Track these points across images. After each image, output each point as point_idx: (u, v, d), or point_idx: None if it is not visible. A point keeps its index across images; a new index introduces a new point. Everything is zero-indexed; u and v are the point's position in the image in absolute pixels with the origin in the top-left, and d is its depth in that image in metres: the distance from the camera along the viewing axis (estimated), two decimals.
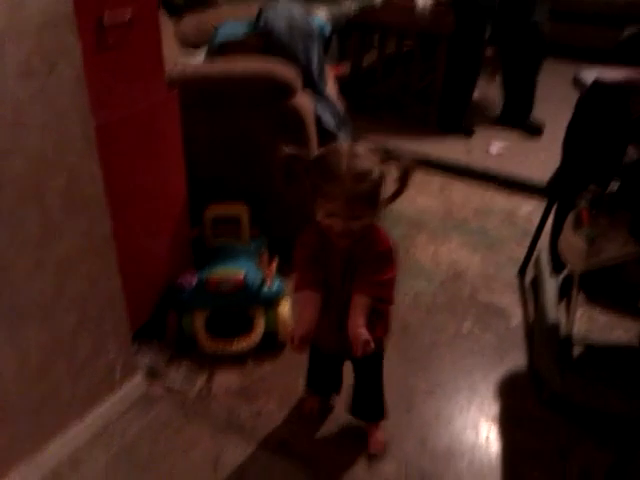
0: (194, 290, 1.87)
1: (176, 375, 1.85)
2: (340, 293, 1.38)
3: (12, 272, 1.30)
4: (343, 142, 1.69)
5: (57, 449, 1.55)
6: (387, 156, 1.29)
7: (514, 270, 2.36)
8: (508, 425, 1.73)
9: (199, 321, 1.88)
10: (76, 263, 1.43)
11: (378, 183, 1.27)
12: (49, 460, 1.53)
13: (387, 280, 1.35)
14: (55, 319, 1.43)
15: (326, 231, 1.32)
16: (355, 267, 1.35)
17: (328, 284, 1.38)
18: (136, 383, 1.73)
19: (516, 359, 1.95)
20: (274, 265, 2.05)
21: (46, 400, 1.48)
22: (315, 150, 1.99)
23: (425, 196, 2.90)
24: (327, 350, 1.57)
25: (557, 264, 2.06)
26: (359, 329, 1.29)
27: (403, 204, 2.59)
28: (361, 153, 1.27)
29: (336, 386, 1.73)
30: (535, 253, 2.31)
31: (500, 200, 2.91)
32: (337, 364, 1.68)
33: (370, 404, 1.64)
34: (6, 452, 1.44)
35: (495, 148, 3.33)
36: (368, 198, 1.27)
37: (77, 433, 1.59)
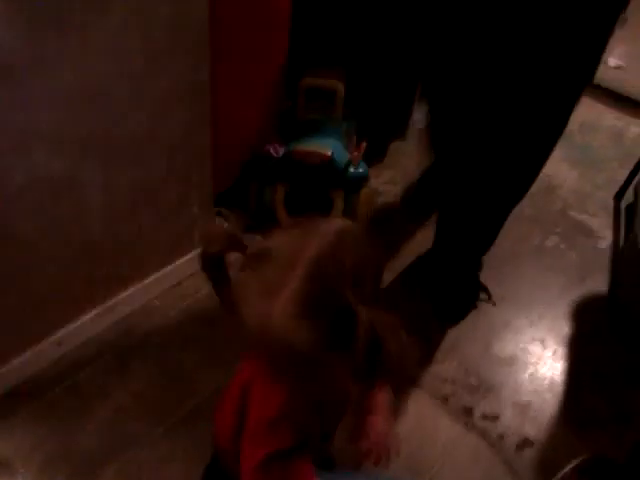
0: (279, 161, 1.84)
1: (251, 244, 1.86)
2: None
3: (111, 103, 1.29)
4: None
5: (132, 297, 1.61)
6: None
7: (612, 192, 2.22)
8: (576, 346, 1.69)
9: (279, 194, 1.86)
10: (171, 107, 1.41)
11: None
12: (123, 307, 1.60)
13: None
14: (145, 163, 1.43)
15: None
16: None
17: None
18: None
19: (597, 282, 1.87)
20: (362, 148, 1.99)
21: (128, 245, 1.52)
22: None
23: None
24: None
25: None
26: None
27: None
28: None
29: None
30: (636, 178, 2.16)
31: (609, 117, 2.70)
32: None
33: None
34: (80, 295, 1.49)
35: (614, 60, 3.06)
36: None
37: (153, 284, 1.65)
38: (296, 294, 0.71)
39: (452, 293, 1.71)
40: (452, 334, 1.65)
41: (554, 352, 1.66)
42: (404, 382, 1.50)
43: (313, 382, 0.82)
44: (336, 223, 0.82)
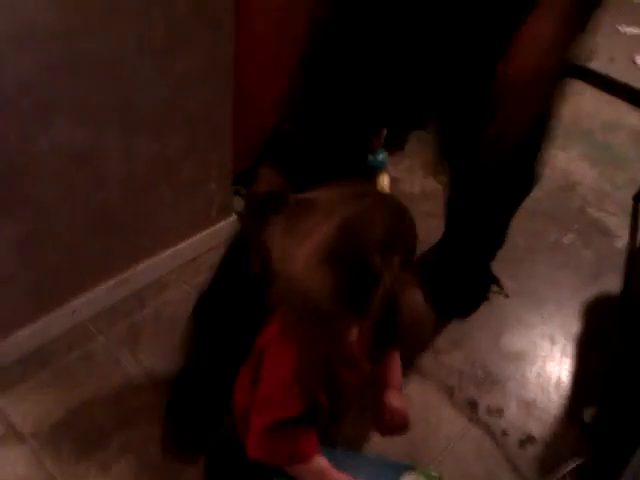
0: None
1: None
2: None
3: (133, 76, 1.29)
4: None
5: (146, 271, 1.62)
6: None
7: (631, 192, 2.20)
8: (586, 345, 1.68)
9: None
10: (193, 83, 1.41)
11: None
12: (137, 281, 1.61)
13: None
14: (165, 137, 1.44)
15: None
16: None
17: None
18: (230, 222, 1.76)
19: (611, 282, 1.86)
20: (382, 136, 1.98)
21: (145, 218, 1.53)
22: None
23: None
24: None
25: None
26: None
27: None
28: None
29: None
30: None
31: (633, 116, 2.67)
32: None
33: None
34: (96, 265, 1.50)
35: None
36: None
37: (167, 259, 1.66)
38: (324, 240, 0.73)
39: (463, 286, 1.70)
40: (462, 324, 1.65)
41: (563, 349, 1.66)
42: (416, 352, 1.51)
43: (325, 344, 0.83)
44: (379, 190, 0.85)
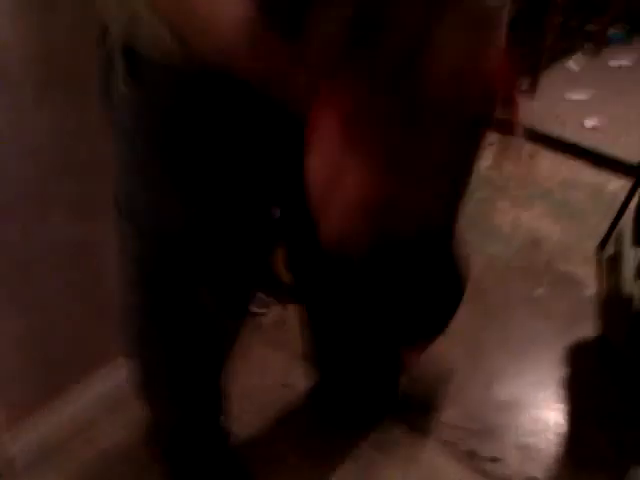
0: None
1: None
2: None
3: None
4: None
5: None
6: None
7: (594, 243, 2.33)
8: (573, 388, 1.77)
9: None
10: None
11: None
12: None
13: None
14: None
15: None
16: None
17: None
18: None
19: (586, 328, 1.95)
20: None
21: None
22: None
23: (512, 162, 2.86)
24: None
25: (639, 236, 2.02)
26: None
27: (489, 168, 2.58)
28: None
29: None
30: (617, 229, 2.27)
31: (588, 174, 2.84)
32: None
33: None
34: (95, 353, 1.54)
35: (591, 122, 3.24)
36: None
37: None
38: None
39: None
40: (453, 379, 1.73)
41: (551, 394, 1.74)
42: None
43: None
44: None
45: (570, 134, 3.10)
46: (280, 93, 0.70)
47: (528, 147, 3.05)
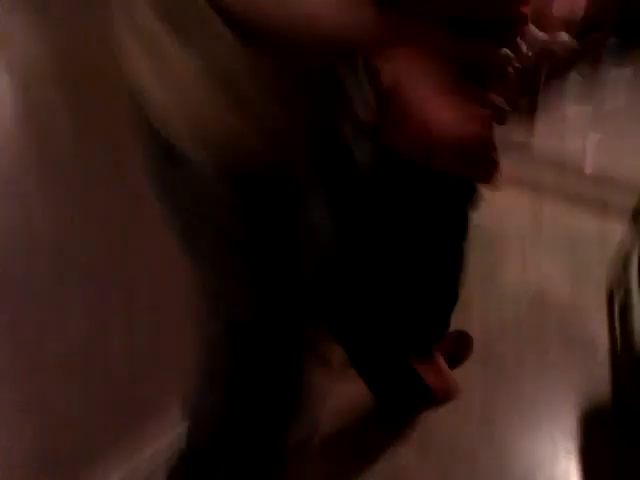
0: None
1: None
2: None
3: None
4: None
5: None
6: None
7: (603, 295, 2.31)
8: (590, 461, 1.73)
9: None
10: None
11: None
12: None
13: None
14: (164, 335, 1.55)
15: None
16: None
17: None
18: None
19: (602, 393, 1.93)
20: None
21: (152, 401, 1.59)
22: None
23: (515, 214, 2.86)
24: None
25: None
26: None
27: (489, 222, 2.58)
28: None
29: None
30: (625, 279, 2.25)
31: (593, 224, 2.83)
32: None
33: None
34: (107, 444, 1.54)
35: (591, 166, 3.23)
36: None
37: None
38: None
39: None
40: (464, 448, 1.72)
41: (568, 468, 1.71)
42: None
43: None
44: None
45: (570, 182, 3.10)
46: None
47: (527, 196, 3.04)
